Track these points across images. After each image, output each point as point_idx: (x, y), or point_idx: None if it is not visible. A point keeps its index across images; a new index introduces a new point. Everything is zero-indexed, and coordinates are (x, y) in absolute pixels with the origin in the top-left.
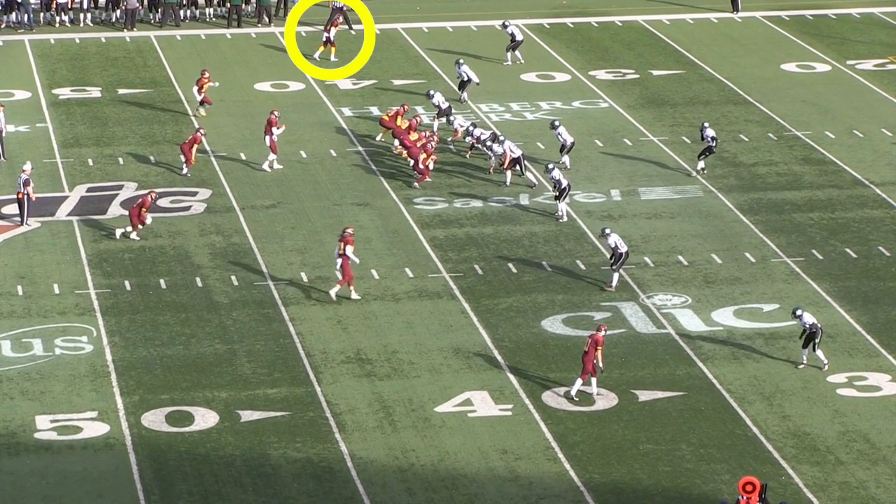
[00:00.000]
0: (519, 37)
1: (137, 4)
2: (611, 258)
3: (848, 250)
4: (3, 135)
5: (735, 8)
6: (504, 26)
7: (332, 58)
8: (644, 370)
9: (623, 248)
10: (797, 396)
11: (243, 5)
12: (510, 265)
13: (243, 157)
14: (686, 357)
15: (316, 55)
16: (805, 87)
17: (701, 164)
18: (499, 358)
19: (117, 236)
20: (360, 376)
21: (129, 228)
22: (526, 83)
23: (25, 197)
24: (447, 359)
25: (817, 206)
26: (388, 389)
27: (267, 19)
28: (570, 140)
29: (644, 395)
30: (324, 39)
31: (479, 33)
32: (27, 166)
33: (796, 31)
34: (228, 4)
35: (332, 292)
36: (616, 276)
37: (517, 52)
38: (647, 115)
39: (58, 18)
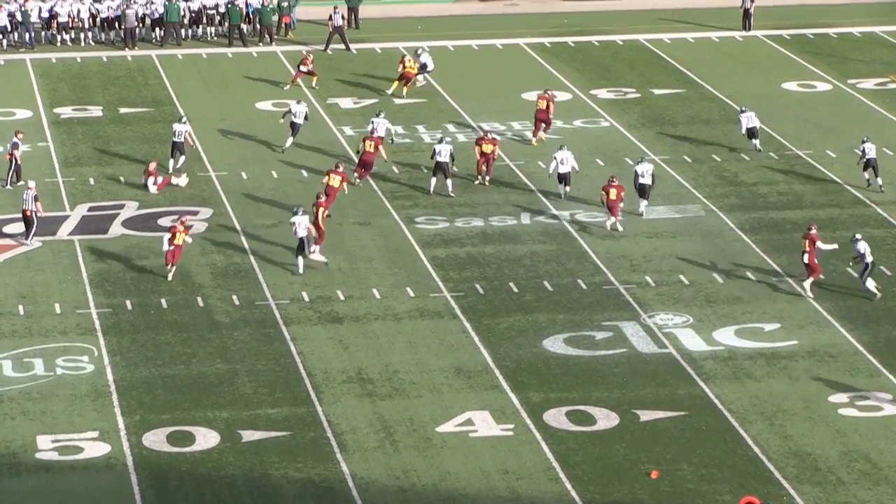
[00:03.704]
0: (430, 66)
1: (136, 23)
2: (860, 266)
3: (849, 269)
4: (19, 162)
5: (746, 27)
6: (417, 54)
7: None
8: (645, 390)
9: (869, 259)
10: (798, 416)
11: (244, 24)
12: (511, 284)
13: (244, 176)
14: (687, 377)
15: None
16: (806, 105)
17: (866, 175)
18: (500, 377)
19: (169, 278)
20: (361, 396)
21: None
22: (527, 102)
23: (34, 214)
24: (448, 378)
25: (818, 225)
26: (390, 409)
27: (268, 38)
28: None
29: (645, 415)
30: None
31: (480, 52)
32: (32, 184)
33: (797, 50)
34: (229, 23)
35: (315, 256)
36: (869, 283)
37: (426, 77)
38: (648, 133)
39: (59, 37)
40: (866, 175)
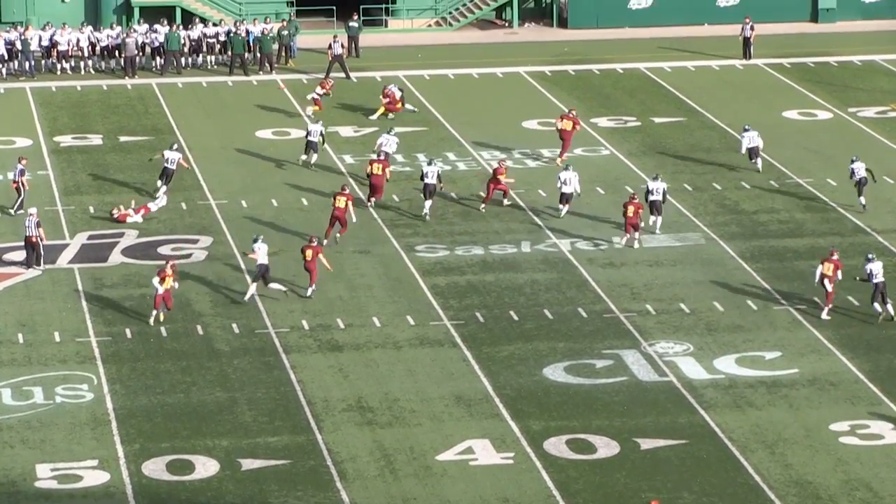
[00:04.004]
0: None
1: (137, 52)
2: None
3: (850, 298)
4: (27, 188)
5: (747, 55)
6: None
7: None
8: (646, 418)
9: (879, 279)
10: (799, 445)
11: (245, 53)
12: (512, 313)
13: (244, 204)
14: (688, 405)
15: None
16: (807, 134)
17: (862, 200)
18: (500, 406)
19: (151, 322)
20: (361, 424)
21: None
22: (527, 130)
23: (38, 240)
24: (448, 407)
25: (819, 253)
26: (390, 437)
27: (268, 66)
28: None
29: (646, 444)
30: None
31: (480, 80)
32: (33, 210)
33: (798, 79)
34: (230, 52)
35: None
36: (877, 306)
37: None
38: (649, 162)
39: (59, 66)
40: (861, 200)
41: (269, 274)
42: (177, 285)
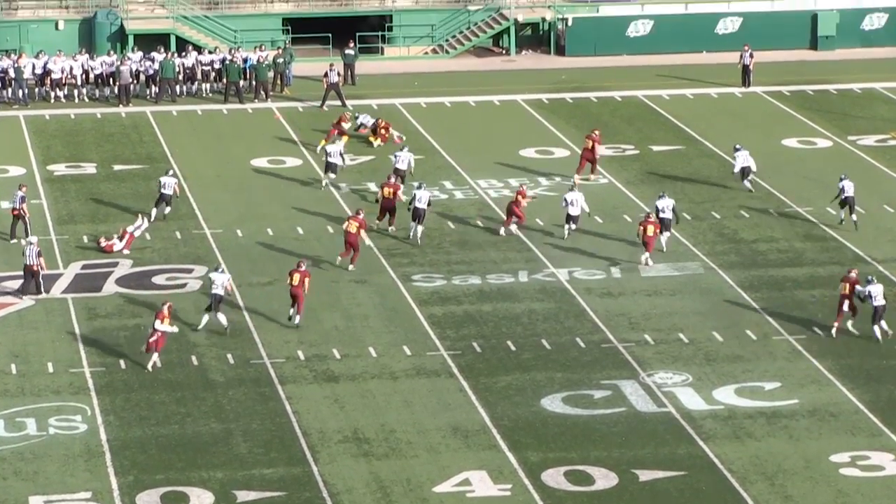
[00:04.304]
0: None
1: (131, 80)
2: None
3: (850, 327)
4: (27, 215)
5: (746, 83)
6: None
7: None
8: (644, 449)
9: (879, 302)
10: (799, 476)
11: (241, 81)
12: (509, 343)
13: (240, 233)
14: (687, 436)
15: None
16: (806, 162)
17: (842, 215)
18: (498, 437)
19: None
20: (357, 456)
21: (154, 355)
22: (525, 158)
23: (39, 269)
24: (445, 438)
25: (819, 283)
26: (386, 469)
27: (264, 94)
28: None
29: (644, 475)
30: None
31: (477, 108)
32: (34, 239)
33: (797, 107)
34: (225, 80)
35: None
36: (876, 329)
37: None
38: (647, 190)
39: (52, 94)
40: (842, 214)
41: (222, 305)
42: (175, 329)
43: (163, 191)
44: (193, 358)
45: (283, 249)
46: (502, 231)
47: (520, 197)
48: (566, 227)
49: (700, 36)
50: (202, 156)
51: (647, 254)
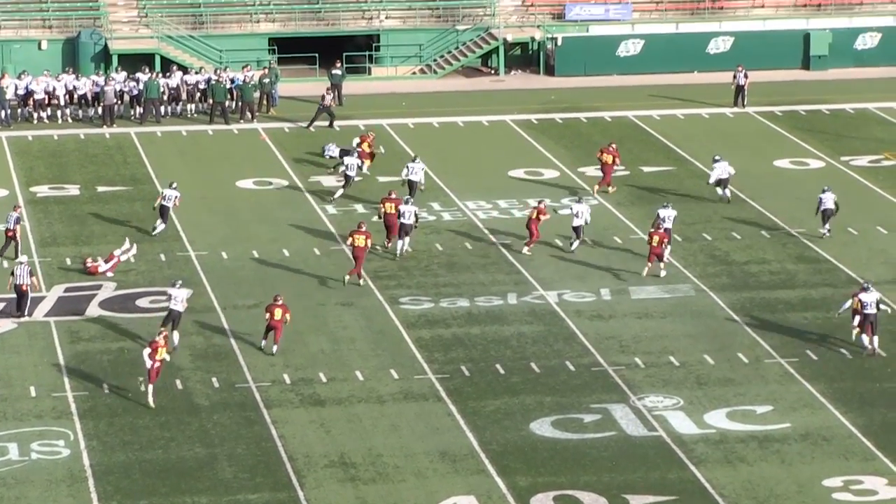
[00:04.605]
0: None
1: (115, 100)
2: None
3: (843, 351)
4: (18, 235)
5: (741, 103)
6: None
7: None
8: (635, 474)
9: (871, 311)
10: (792, 501)
11: (226, 101)
12: (498, 366)
13: (225, 255)
14: (678, 460)
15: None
16: (798, 183)
17: (825, 229)
18: (486, 461)
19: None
20: (343, 481)
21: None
22: (513, 180)
23: (28, 289)
24: (433, 462)
25: (811, 305)
26: (373, 494)
27: (250, 115)
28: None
29: (635, 500)
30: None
31: (465, 129)
32: (24, 258)
33: (789, 127)
34: (211, 100)
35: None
36: (864, 338)
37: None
38: (637, 212)
39: (35, 115)
40: (825, 228)
41: (177, 323)
42: (168, 357)
43: (163, 202)
44: (178, 382)
45: (268, 272)
46: (525, 250)
47: (539, 214)
48: (572, 240)
49: (691, 56)
50: (187, 177)
51: (650, 265)
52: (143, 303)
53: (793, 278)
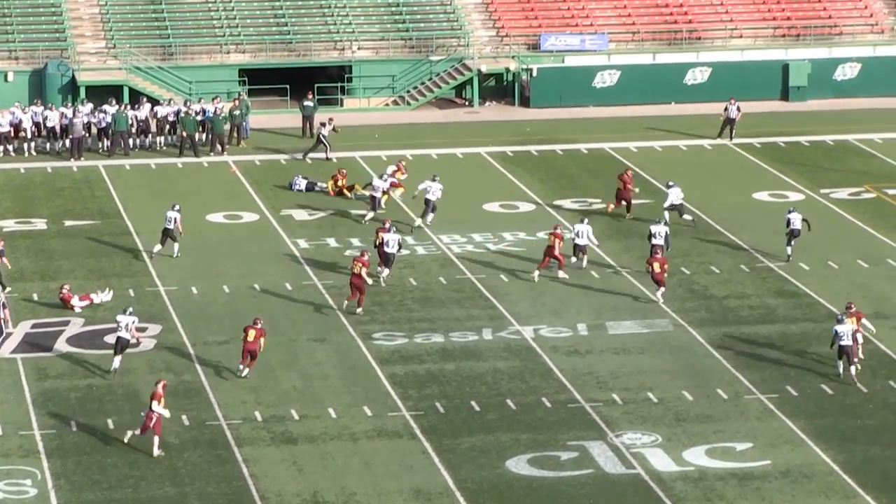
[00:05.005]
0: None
1: (84, 132)
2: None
3: (824, 386)
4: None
5: (729, 136)
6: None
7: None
8: None
9: (846, 342)
10: None
11: (196, 133)
12: (473, 403)
13: (195, 291)
14: (657, 498)
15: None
16: (778, 216)
17: (789, 251)
18: (461, 500)
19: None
20: None
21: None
22: (488, 213)
23: (2, 323)
24: (407, 501)
25: (791, 340)
26: None
27: (220, 148)
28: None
29: None
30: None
31: (439, 161)
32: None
33: (768, 159)
34: (180, 132)
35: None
36: (840, 364)
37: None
38: (615, 246)
39: (1, 148)
40: (789, 250)
41: (123, 350)
42: (167, 414)
43: (166, 226)
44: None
45: (240, 307)
46: (561, 273)
47: (556, 240)
48: (574, 258)
49: (668, 87)
50: (156, 211)
51: (661, 289)
52: (111, 339)
53: (772, 313)
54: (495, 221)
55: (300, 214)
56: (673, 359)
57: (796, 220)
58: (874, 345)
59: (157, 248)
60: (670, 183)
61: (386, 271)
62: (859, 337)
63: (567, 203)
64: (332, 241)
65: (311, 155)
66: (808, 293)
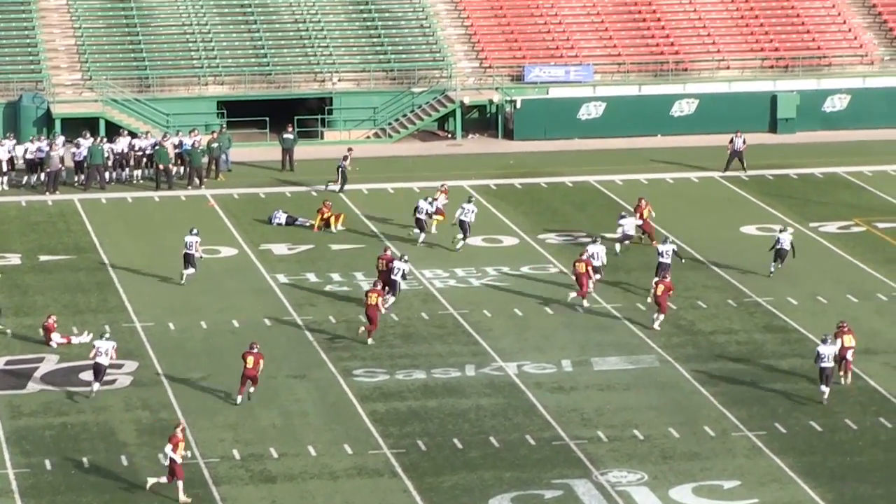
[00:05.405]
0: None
1: (60, 166)
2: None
3: (812, 423)
4: None
5: (732, 167)
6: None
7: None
8: None
9: (827, 364)
10: None
11: (174, 166)
12: (455, 440)
13: (172, 326)
14: None
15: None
16: (766, 250)
17: (772, 268)
18: None
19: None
20: None
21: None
22: (471, 247)
23: None
24: None
25: (780, 376)
26: None
27: (198, 181)
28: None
29: None
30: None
31: (421, 195)
32: None
33: (756, 192)
34: (157, 166)
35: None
36: (823, 387)
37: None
38: (601, 280)
39: None
40: (773, 267)
41: (102, 375)
42: (189, 454)
43: (186, 250)
44: (123, 458)
45: (217, 343)
46: (575, 297)
47: (588, 267)
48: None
49: (654, 119)
50: (133, 245)
51: (660, 316)
52: (86, 376)
53: (760, 348)
54: (478, 256)
55: (279, 249)
56: (659, 395)
57: (785, 241)
58: (864, 381)
59: (188, 271)
60: (623, 213)
61: (392, 299)
62: (849, 355)
63: (551, 237)
64: (311, 276)
65: (332, 186)
66: (796, 328)
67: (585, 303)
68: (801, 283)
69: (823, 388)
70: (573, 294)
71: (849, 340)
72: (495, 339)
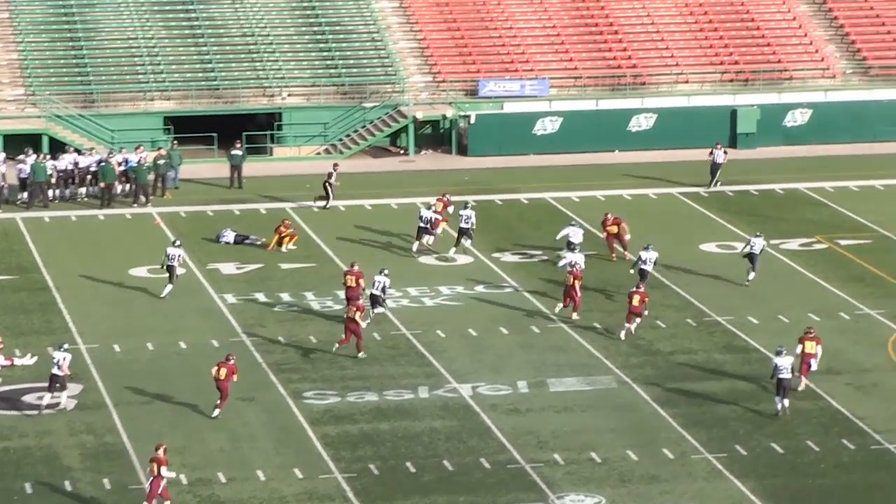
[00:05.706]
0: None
1: (2, 183)
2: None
3: (774, 445)
4: None
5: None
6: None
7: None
8: None
9: (785, 375)
10: None
11: (119, 184)
12: (408, 464)
13: (117, 349)
14: None
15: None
16: (726, 268)
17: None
18: None
19: None
20: None
21: None
22: (425, 266)
23: None
24: None
25: (741, 397)
26: None
27: (144, 199)
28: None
29: None
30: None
31: (373, 212)
32: None
33: (715, 209)
34: (102, 183)
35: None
36: (777, 400)
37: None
38: (557, 300)
39: None
40: (749, 277)
41: (63, 387)
42: (173, 475)
43: (169, 263)
44: (67, 483)
45: (164, 365)
46: (575, 315)
47: (575, 280)
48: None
49: (611, 134)
50: (77, 265)
51: (628, 326)
52: (30, 398)
53: (720, 369)
54: (431, 275)
55: (228, 268)
56: (617, 417)
57: (757, 246)
58: (826, 401)
59: (168, 288)
60: (573, 222)
61: (379, 309)
62: (814, 363)
63: (506, 256)
64: (260, 296)
65: (318, 203)
66: (757, 348)
67: (576, 315)
68: (762, 301)
69: (780, 399)
70: (560, 305)
71: (811, 347)
72: (449, 360)
